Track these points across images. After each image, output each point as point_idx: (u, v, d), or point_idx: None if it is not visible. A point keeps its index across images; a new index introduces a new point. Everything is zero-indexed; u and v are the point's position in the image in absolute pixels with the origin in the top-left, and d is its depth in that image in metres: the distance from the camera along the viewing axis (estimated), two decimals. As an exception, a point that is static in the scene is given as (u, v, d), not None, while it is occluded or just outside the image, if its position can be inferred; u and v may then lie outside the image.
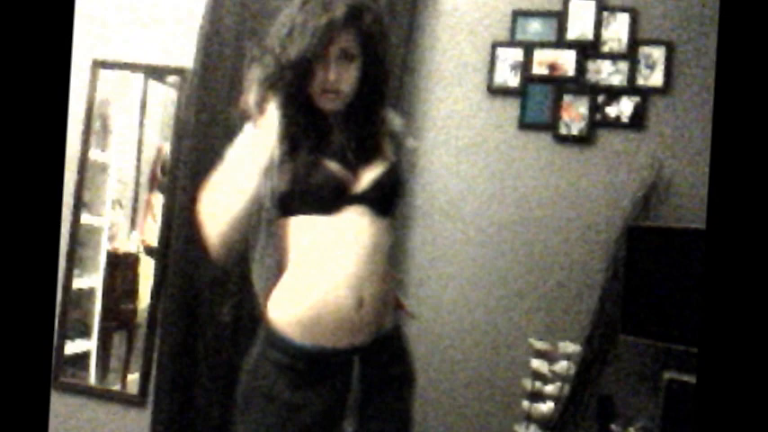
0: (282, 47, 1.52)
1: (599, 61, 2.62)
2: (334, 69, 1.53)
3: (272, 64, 1.54)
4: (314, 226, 1.54)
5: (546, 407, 2.48)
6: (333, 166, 1.55)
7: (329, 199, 1.54)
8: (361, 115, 1.61)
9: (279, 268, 1.57)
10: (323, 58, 1.52)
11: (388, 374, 1.64)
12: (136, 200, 3.29)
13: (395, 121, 1.72)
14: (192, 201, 2.82)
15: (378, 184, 1.58)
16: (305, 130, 1.57)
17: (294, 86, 1.54)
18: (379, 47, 1.59)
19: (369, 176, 1.58)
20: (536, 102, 2.68)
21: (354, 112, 1.61)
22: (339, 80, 1.54)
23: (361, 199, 1.56)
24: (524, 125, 2.69)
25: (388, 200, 1.61)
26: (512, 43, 2.70)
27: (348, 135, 1.59)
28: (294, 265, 1.56)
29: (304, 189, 1.53)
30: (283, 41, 1.52)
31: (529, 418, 2.50)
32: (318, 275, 1.53)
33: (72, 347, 3.17)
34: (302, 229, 1.55)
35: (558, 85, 2.65)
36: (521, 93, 2.69)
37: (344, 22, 1.52)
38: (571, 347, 2.49)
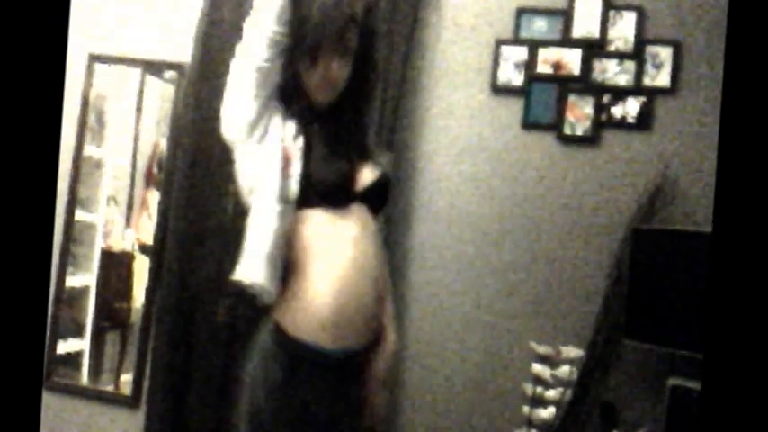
0: (303, 30, 1.57)
1: (605, 60, 2.62)
2: (337, 62, 1.60)
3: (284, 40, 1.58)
4: (326, 220, 1.58)
5: (547, 412, 2.48)
6: (339, 160, 1.62)
7: (340, 194, 1.60)
8: (350, 111, 1.69)
9: (287, 264, 1.58)
10: (330, 51, 1.59)
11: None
12: (131, 197, 3.29)
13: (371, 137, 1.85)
14: (188, 198, 2.85)
15: (376, 185, 1.66)
16: (307, 115, 1.62)
17: (294, 74, 1.60)
18: (374, 46, 1.68)
19: (367, 175, 1.66)
20: (540, 101, 2.68)
21: (343, 107, 1.67)
22: (339, 74, 1.61)
23: (362, 197, 1.63)
24: (528, 125, 2.69)
25: (382, 201, 1.72)
26: (516, 41, 2.70)
27: (338, 130, 1.66)
28: (306, 266, 1.56)
29: (319, 184, 1.57)
30: (305, 25, 1.57)
31: (529, 423, 2.50)
32: (338, 273, 1.55)
33: (64, 347, 3.17)
34: (312, 223, 1.58)
35: (562, 84, 2.65)
36: (525, 92, 2.69)
37: (357, 17, 1.60)
38: (573, 352, 2.49)
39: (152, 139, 3.25)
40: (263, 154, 1.58)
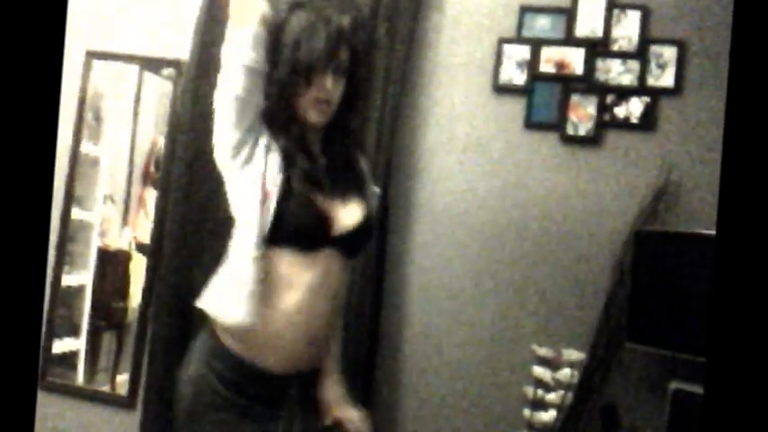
0: (293, 51, 1.58)
1: (608, 60, 2.62)
2: (331, 80, 1.59)
3: (283, 66, 1.60)
4: (291, 262, 1.58)
5: (548, 415, 2.48)
6: (320, 201, 1.60)
7: (312, 239, 1.59)
8: (340, 133, 1.68)
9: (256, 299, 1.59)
10: (323, 68, 1.58)
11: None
12: (128, 195, 3.29)
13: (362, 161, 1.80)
14: (186, 197, 2.84)
15: (357, 230, 1.64)
16: (292, 147, 1.61)
17: (286, 96, 1.60)
18: (364, 62, 1.70)
19: (348, 219, 1.63)
20: (543, 101, 2.68)
21: (335, 128, 1.67)
22: (333, 92, 1.61)
23: (338, 242, 1.61)
24: (530, 125, 2.69)
25: (360, 246, 1.70)
26: (519, 40, 2.70)
27: (329, 154, 1.66)
28: (263, 293, 1.58)
29: (293, 226, 1.57)
30: (294, 46, 1.58)
31: (530, 426, 2.50)
32: (284, 310, 1.57)
33: (60, 346, 3.17)
34: (279, 263, 1.58)
35: (565, 83, 2.65)
36: (527, 91, 2.69)
37: (347, 33, 1.59)
38: (575, 355, 2.49)
39: (150, 137, 3.26)
40: (244, 184, 1.59)
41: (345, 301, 1.79)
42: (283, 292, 1.58)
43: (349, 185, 1.67)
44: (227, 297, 1.62)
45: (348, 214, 1.63)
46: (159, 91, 3.18)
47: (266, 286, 1.57)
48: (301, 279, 1.57)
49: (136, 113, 3.24)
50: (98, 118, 3.23)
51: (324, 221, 1.58)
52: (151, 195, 3.17)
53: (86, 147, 3.16)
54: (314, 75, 1.58)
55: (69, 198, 3.11)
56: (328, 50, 1.57)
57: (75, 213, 3.16)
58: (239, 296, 1.57)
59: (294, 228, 1.56)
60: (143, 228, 3.17)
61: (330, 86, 1.59)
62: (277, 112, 1.61)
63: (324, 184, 1.61)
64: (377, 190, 1.84)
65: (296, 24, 1.59)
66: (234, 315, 1.58)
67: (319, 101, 1.60)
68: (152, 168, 3.21)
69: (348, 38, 1.61)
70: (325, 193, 1.61)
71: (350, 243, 1.63)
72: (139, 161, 3.26)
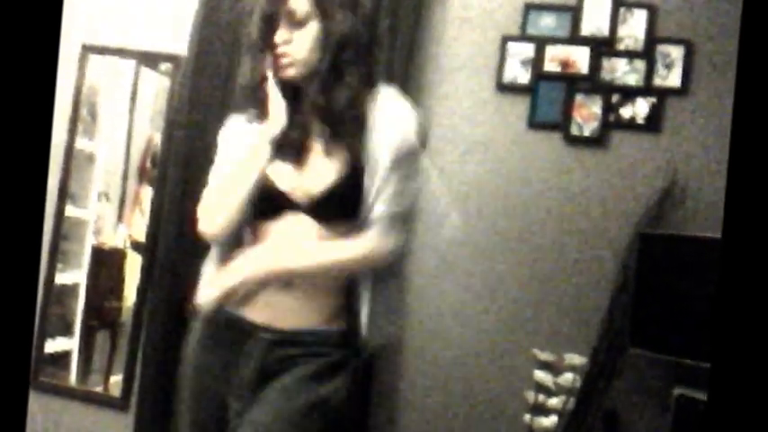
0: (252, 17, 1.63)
1: (614, 59, 2.62)
2: (280, 32, 1.58)
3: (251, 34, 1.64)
4: (265, 230, 1.62)
5: (549, 421, 2.48)
6: (277, 175, 1.60)
7: (272, 209, 1.61)
8: (323, 87, 1.60)
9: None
10: (273, 24, 1.59)
11: (291, 364, 1.62)
12: (124, 192, 3.29)
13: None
14: (182, 195, 2.84)
15: (324, 198, 1.59)
16: (256, 113, 1.64)
17: (258, 55, 1.62)
18: (337, 9, 1.60)
19: (317, 185, 1.59)
20: (547, 100, 2.68)
21: (319, 83, 1.61)
22: (287, 43, 1.58)
23: (302, 208, 1.60)
24: (534, 124, 2.69)
25: (331, 211, 1.61)
26: (523, 38, 2.70)
27: (313, 110, 1.61)
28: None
29: (256, 199, 1.61)
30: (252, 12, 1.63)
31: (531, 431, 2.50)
32: (254, 255, 1.59)
33: (53, 346, 3.17)
34: (251, 231, 1.65)
35: (570, 83, 2.65)
36: (531, 90, 2.69)
37: None
38: (577, 359, 2.49)
39: (146, 133, 3.26)
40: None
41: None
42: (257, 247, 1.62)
43: (332, 141, 1.60)
44: (207, 267, 1.72)
45: (318, 177, 1.59)
46: (156, 86, 3.18)
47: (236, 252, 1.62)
48: (266, 239, 1.61)
49: (132, 109, 3.24)
50: (93, 113, 3.23)
51: (277, 191, 1.60)
52: (147, 193, 3.17)
53: (81, 143, 3.16)
54: (267, 34, 1.59)
55: (63, 195, 3.11)
56: (266, 5, 1.59)
57: (69, 211, 3.16)
58: (212, 257, 1.69)
59: (257, 201, 1.61)
60: (138, 226, 3.17)
61: (280, 39, 1.58)
62: (249, 81, 1.64)
63: (285, 149, 1.61)
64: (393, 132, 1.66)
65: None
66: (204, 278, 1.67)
67: (276, 56, 1.59)
68: (148, 165, 3.21)
69: None
70: (289, 157, 1.61)
71: (317, 209, 1.59)
72: (135, 158, 3.26)
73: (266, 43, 1.60)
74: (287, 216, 1.60)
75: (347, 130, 1.60)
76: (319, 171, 1.60)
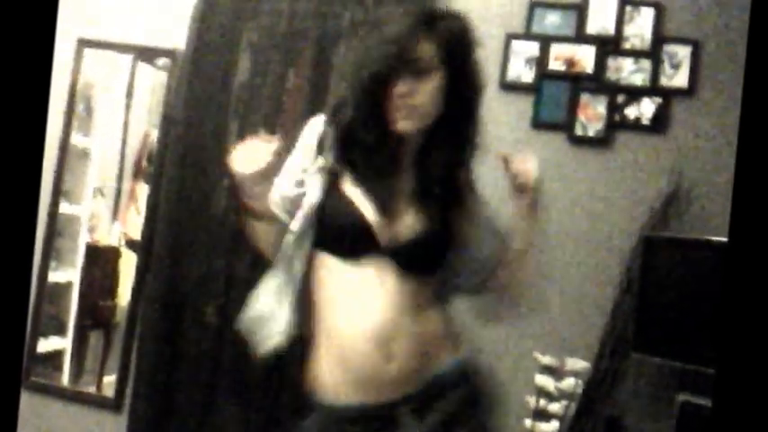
0: (358, 69, 1.51)
1: (620, 58, 2.62)
2: (404, 82, 1.45)
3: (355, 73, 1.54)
4: (337, 270, 1.51)
5: (550, 426, 2.48)
6: (366, 209, 1.49)
7: (350, 246, 1.49)
8: (442, 142, 1.53)
9: (301, 309, 1.54)
10: (396, 71, 1.46)
11: (453, 420, 1.58)
12: (119, 189, 3.29)
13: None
14: (179, 192, 2.85)
15: (411, 243, 1.51)
16: (365, 155, 1.52)
17: (365, 105, 1.50)
18: (465, 60, 1.53)
19: (404, 230, 1.51)
20: (551, 99, 2.68)
21: (436, 137, 1.53)
22: (410, 94, 1.46)
23: (390, 254, 1.49)
24: (538, 124, 2.69)
25: (416, 260, 1.53)
26: (527, 36, 2.71)
27: (421, 167, 1.55)
28: (320, 319, 1.54)
29: (328, 227, 1.50)
30: (359, 64, 1.52)
31: (531, 437, 2.50)
32: (341, 330, 1.51)
33: (45, 345, 3.17)
34: (326, 270, 1.52)
35: (575, 82, 2.65)
36: (535, 89, 2.69)
37: (419, 29, 1.47)
38: (579, 364, 2.49)
39: (142, 129, 3.26)
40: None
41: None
42: (329, 302, 1.52)
43: (426, 200, 1.54)
44: (267, 310, 1.58)
45: (405, 225, 1.51)
46: (153, 82, 3.18)
47: (307, 294, 1.53)
48: (352, 292, 1.50)
49: (128, 105, 3.24)
50: (89, 109, 3.23)
51: (361, 228, 1.49)
52: (143, 190, 3.17)
53: (76, 138, 3.16)
54: (389, 77, 1.45)
55: (57, 191, 3.11)
56: (401, 46, 1.44)
57: (64, 207, 3.16)
58: (281, 305, 1.55)
59: (331, 227, 1.50)
60: (133, 223, 3.17)
61: (404, 89, 1.45)
62: (365, 115, 1.51)
63: (377, 192, 1.51)
64: (494, 228, 1.73)
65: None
66: (276, 328, 1.54)
67: (398, 107, 1.47)
68: (144, 162, 3.21)
69: (427, 32, 1.46)
70: (384, 195, 1.51)
71: (402, 255, 1.49)
72: (131, 154, 3.26)
73: (383, 94, 1.47)
74: (372, 260, 1.49)
75: (441, 195, 1.57)
76: (406, 220, 1.52)
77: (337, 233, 1.50)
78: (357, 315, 1.49)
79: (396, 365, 1.50)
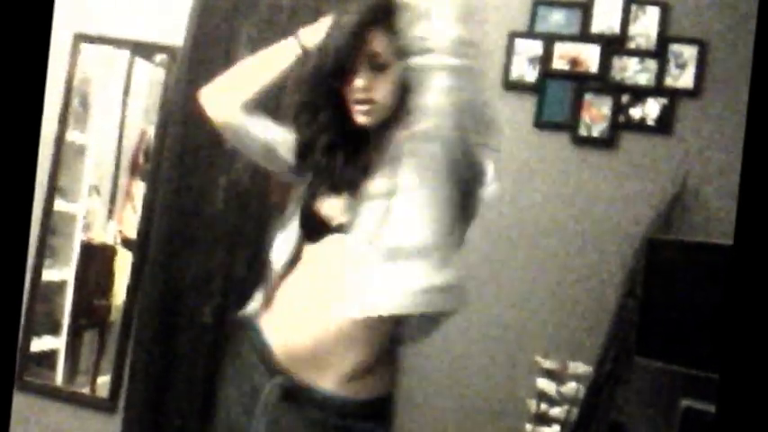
0: (323, 50, 1.51)
1: (625, 58, 2.62)
2: (362, 76, 1.48)
3: (312, 69, 1.55)
4: (303, 251, 1.59)
5: (551, 431, 2.48)
6: (326, 203, 1.55)
7: (309, 225, 1.57)
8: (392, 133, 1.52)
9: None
10: (353, 64, 1.48)
11: None
12: (115, 187, 3.28)
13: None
14: (176, 191, 2.84)
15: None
16: (330, 149, 1.55)
17: (330, 96, 1.53)
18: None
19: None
20: (555, 99, 2.68)
21: (389, 129, 1.52)
22: (368, 89, 1.48)
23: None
24: (541, 124, 2.69)
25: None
26: (531, 34, 2.71)
27: (377, 153, 1.54)
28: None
29: (301, 219, 1.59)
30: (324, 44, 1.52)
31: (532, 442, 2.50)
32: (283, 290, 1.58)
33: (39, 344, 3.17)
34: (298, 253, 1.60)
35: (579, 81, 2.65)
36: (538, 89, 2.69)
37: (371, 21, 1.47)
38: (581, 368, 2.49)
39: (139, 126, 3.25)
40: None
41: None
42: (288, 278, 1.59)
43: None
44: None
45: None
46: (150, 78, 3.18)
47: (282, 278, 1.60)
48: (302, 263, 1.57)
49: (125, 101, 3.24)
50: (85, 104, 3.23)
51: (319, 218, 1.55)
52: (139, 188, 3.17)
53: (72, 135, 3.16)
54: (347, 69, 1.48)
55: (52, 188, 3.11)
56: (356, 41, 1.46)
57: (59, 205, 3.16)
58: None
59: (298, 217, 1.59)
60: (130, 222, 3.17)
61: (362, 83, 1.48)
62: (326, 104, 1.55)
63: (337, 183, 1.54)
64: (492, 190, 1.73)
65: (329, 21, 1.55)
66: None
67: (357, 101, 1.50)
68: (141, 159, 3.21)
69: (380, 26, 1.47)
70: (347, 185, 1.53)
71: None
72: (128, 151, 3.26)
73: (340, 89, 1.51)
74: (327, 237, 1.54)
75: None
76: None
77: (300, 220, 1.59)
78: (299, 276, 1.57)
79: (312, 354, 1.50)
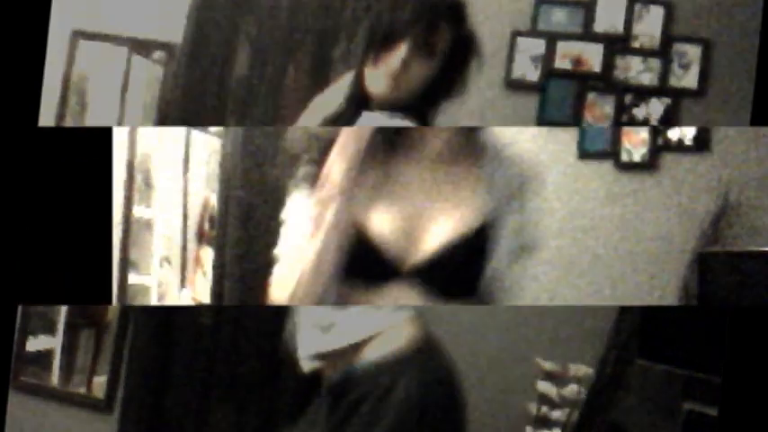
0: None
1: (628, 57, 2.62)
2: (408, 49, 1.39)
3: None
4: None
5: (552, 434, 2.48)
6: (384, 230, 1.23)
7: (371, 276, 1.24)
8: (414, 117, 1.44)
9: None
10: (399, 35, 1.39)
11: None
12: (184, 255, 3.31)
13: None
14: (245, 255, 2.82)
15: (444, 256, 1.23)
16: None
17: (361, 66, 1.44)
18: (464, 54, 1.53)
19: (431, 240, 1.25)
20: (557, 99, 2.68)
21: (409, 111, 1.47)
22: (406, 65, 1.40)
23: (415, 276, 1.23)
24: (543, 124, 2.69)
25: (452, 280, 1.25)
26: (533, 33, 2.70)
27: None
28: None
29: (343, 258, 1.21)
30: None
31: (532, 445, 2.50)
32: None
33: (34, 344, 3.16)
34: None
35: (582, 81, 2.65)
36: (541, 88, 2.69)
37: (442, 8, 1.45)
38: (582, 370, 2.49)
39: (136, 123, 3.25)
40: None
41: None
42: None
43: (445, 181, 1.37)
44: None
45: (432, 233, 1.25)
46: (148, 76, 3.18)
47: None
48: None
49: (123, 98, 3.23)
50: (82, 102, 3.22)
51: (383, 256, 1.22)
52: (207, 254, 3.24)
53: (139, 210, 3.17)
54: (389, 43, 1.38)
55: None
56: (410, 17, 1.36)
57: (132, 278, 3.16)
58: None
59: (343, 259, 1.22)
60: (202, 287, 3.22)
61: (402, 56, 1.36)
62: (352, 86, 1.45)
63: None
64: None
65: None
66: None
67: (386, 73, 1.38)
68: (206, 227, 3.25)
69: (454, 21, 1.46)
70: (390, 200, 1.26)
71: (433, 275, 1.22)
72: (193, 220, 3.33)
73: (378, 61, 1.40)
74: (393, 289, 1.23)
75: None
76: (430, 222, 1.28)
77: (352, 264, 1.23)
78: None
79: None
